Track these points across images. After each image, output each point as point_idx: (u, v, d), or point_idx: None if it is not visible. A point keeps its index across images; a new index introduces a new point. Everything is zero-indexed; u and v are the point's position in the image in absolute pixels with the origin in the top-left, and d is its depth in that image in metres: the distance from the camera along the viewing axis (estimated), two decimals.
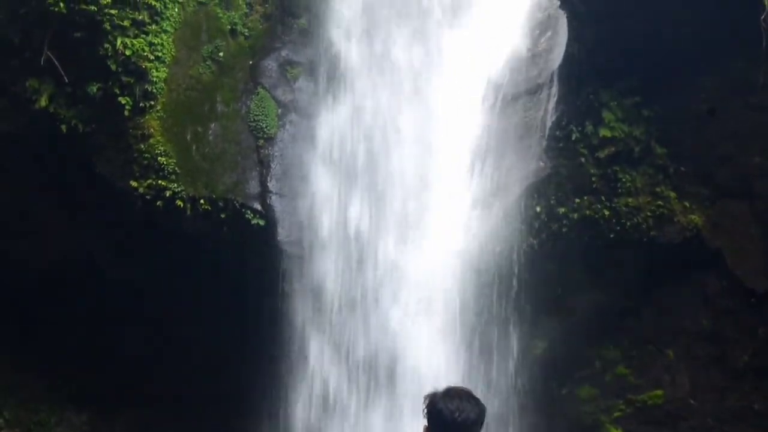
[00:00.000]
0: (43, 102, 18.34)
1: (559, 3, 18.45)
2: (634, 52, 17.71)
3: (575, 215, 18.79)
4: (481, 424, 8.74)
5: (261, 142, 19.98)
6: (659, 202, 18.47)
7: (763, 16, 16.03)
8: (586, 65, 18.42)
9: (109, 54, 18.20)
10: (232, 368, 21.01)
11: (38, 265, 20.91)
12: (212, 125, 19.58)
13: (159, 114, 18.85)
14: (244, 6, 20.51)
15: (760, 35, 16.14)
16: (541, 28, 19.98)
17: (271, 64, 20.54)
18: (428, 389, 8.86)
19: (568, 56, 18.65)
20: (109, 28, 18.10)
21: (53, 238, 20.67)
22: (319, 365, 19.93)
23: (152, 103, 18.73)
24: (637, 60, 17.86)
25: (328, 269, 19.95)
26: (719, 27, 16.79)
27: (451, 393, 8.80)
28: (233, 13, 20.21)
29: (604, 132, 18.44)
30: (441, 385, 8.89)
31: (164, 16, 18.88)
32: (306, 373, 20.00)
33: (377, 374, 19.81)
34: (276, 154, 20.02)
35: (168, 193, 18.93)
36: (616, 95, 18.39)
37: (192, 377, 21.69)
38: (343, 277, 19.89)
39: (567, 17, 18.40)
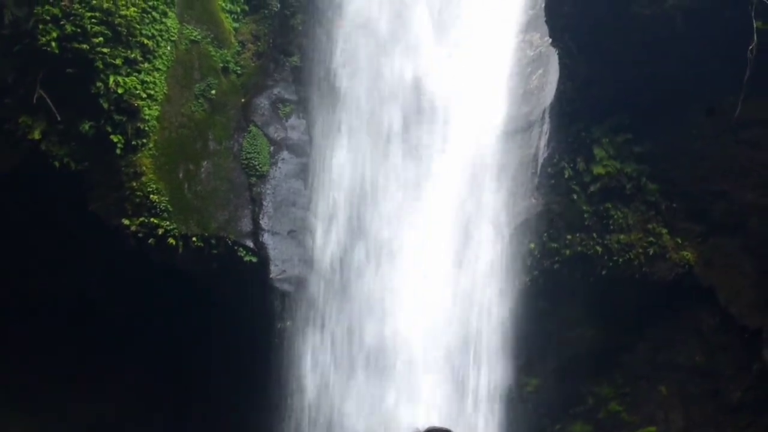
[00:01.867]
0: (36, 135, 18.32)
1: (550, 41, 18.56)
2: (625, 88, 17.80)
3: (568, 252, 18.83)
4: None
5: (253, 179, 20.00)
6: (651, 239, 18.52)
7: (751, 47, 16.09)
8: (578, 102, 18.51)
9: (102, 92, 18.23)
10: (232, 399, 21.05)
11: (32, 303, 20.86)
12: (204, 163, 19.58)
13: (151, 152, 18.82)
14: (237, 44, 20.59)
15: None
16: (533, 66, 20.07)
17: (263, 101, 20.57)
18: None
19: (559, 94, 18.74)
20: (101, 66, 18.15)
21: (46, 275, 20.58)
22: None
23: (144, 141, 18.72)
24: (627, 97, 17.94)
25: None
26: (709, 63, 16.89)
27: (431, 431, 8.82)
28: (225, 51, 20.28)
29: (595, 169, 18.53)
30: (422, 425, 8.91)
31: (157, 54, 18.91)
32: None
33: None
34: (268, 191, 20.03)
35: (160, 231, 18.86)
36: (608, 132, 18.49)
37: (196, 406, 21.70)
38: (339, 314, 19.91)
39: (558, 55, 18.50)
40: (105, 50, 18.14)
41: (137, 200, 18.79)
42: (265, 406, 19.74)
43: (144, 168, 18.76)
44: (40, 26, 17.86)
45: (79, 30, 17.91)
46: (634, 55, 17.34)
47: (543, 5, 18.36)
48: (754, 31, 15.91)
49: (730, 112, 17.22)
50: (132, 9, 18.36)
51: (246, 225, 19.77)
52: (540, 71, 19.88)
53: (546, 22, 18.32)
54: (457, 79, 20.41)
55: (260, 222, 19.80)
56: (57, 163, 18.55)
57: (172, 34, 19.23)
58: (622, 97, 17.99)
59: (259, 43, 20.77)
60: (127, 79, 18.41)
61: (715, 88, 17.18)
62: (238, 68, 20.47)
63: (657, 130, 18.14)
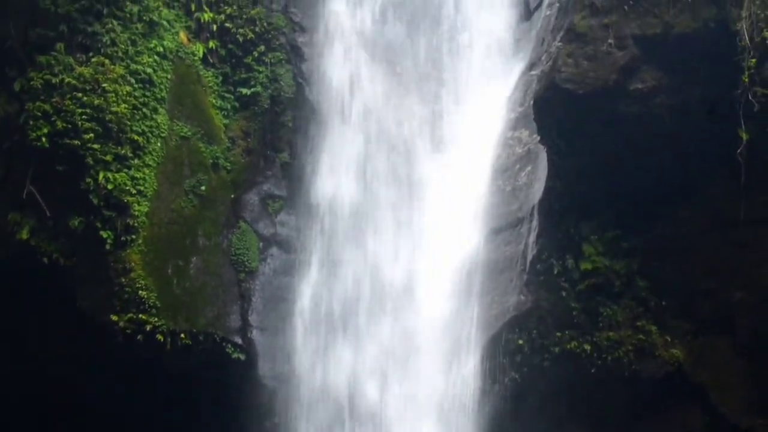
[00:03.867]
0: (24, 235, 18.34)
1: (539, 138, 18.67)
2: (614, 185, 17.87)
3: (557, 349, 18.77)
4: None
5: (242, 275, 20.04)
6: (641, 336, 18.46)
7: (739, 150, 16.21)
8: (566, 199, 18.55)
9: (91, 188, 18.26)
10: None
11: (18, 400, 20.72)
12: (193, 259, 19.59)
13: (140, 248, 18.82)
14: (227, 140, 20.66)
15: (737, 170, 16.31)
16: (521, 162, 20.17)
17: (252, 198, 20.69)
18: None
19: (548, 190, 18.79)
20: (91, 162, 18.20)
21: (36, 371, 20.46)
22: None
23: (134, 236, 18.72)
24: (616, 193, 18.01)
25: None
26: (697, 161, 17.00)
27: None
28: (216, 147, 20.33)
29: (584, 265, 18.53)
30: None
31: (147, 151, 18.96)
32: None
33: None
34: (257, 287, 20.07)
35: (148, 327, 18.82)
36: (597, 228, 18.52)
37: None
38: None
39: (546, 152, 18.59)
40: (95, 146, 18.22)
41: (126, 296, 18.77)
42: None
43: (133, 264, 18.75)
44: (31, 122, 17.98)
45: (69, 126, 18.02)
46: (623, 152, 17.44)
47: (532, 103, 18.49)
48: (743, 133, 16.04)
49: (719, 211, 17.35)
50: (123, 105, 18.47)
51: (234, 321, 19.78)
52: (529, 168, 19.98)
53: (534, 119, 18.45)
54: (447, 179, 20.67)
55: (249, 318, 19.81)
56: (46, 259, 18.54)
57: (162, 130, 19.32)
58: (610, 193, 18.05)
59: (249, 140, 20.86)
60: (117, 175, 18.46)
61: (702, 186, 17.32)
62: (228, 164, 20.53)
63: (646, 226, 18.19)
